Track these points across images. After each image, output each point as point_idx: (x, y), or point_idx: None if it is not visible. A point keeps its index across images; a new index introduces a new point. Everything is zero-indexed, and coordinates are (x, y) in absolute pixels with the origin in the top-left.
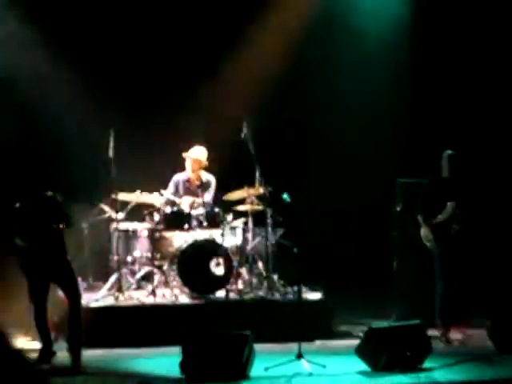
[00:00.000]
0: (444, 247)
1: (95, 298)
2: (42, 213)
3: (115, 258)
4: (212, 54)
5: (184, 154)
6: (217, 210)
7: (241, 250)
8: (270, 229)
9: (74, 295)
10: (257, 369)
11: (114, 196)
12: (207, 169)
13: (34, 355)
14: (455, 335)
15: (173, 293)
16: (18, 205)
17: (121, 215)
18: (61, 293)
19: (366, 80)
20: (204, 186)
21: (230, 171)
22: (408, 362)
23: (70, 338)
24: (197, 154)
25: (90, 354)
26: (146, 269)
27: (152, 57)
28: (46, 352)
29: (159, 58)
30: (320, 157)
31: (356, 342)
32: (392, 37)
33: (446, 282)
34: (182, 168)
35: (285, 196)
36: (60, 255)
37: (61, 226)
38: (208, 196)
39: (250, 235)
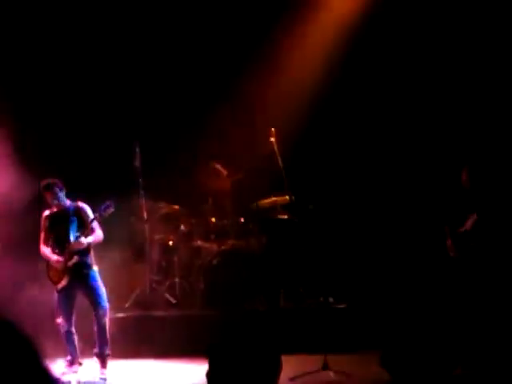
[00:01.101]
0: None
1: (123, 307)
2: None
3: (141, 267)
4: (242, 63)
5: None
6: (242, 220)
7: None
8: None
9: (100, 305)
10: (282, 379)
11: (141, 205)
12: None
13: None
14: None
15: (199, 303)
16: (47, 213)
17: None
18: None
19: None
20: None
21: (256, 180)
22: None
23: (97, 348)
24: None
25: (116, 364)
26: (171, 279)
27: (178, 68)
28: (73, 362)
29: (185, 69)
30: (348, 167)
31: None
32: None
33: None
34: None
35: (310, 206)
36: (88, 265)
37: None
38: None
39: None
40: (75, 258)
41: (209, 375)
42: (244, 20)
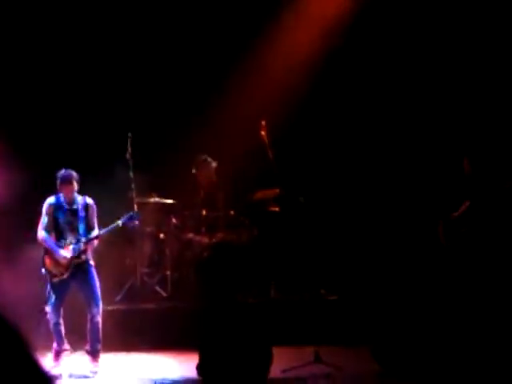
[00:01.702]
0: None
1: (114, 300)
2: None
3: (132, 261)
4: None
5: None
6: (232, 212)
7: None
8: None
9: (95, 304)
10: (274, 371)
11: (132, 198)
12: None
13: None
14: None
15: (189, 296)
16: (53, 201)
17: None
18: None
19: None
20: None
21: (247, 173)
22: None
23: (89, 346)
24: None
25: (107, 357)
26: (162, 272)
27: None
28: (60, 352)
29: (176, 60)
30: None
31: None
32: None
33: None
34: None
35: (301, 199)
36: (88, 261)
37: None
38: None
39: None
40: (83, 258)
41: (200, 368)
42: (234, 12)
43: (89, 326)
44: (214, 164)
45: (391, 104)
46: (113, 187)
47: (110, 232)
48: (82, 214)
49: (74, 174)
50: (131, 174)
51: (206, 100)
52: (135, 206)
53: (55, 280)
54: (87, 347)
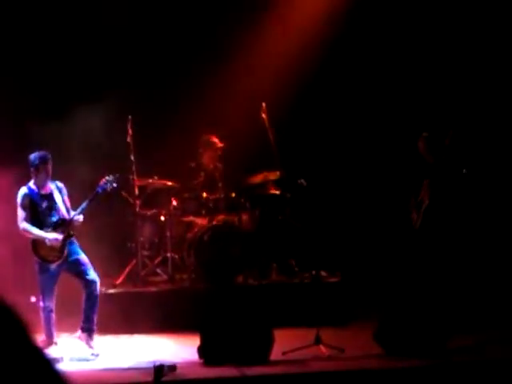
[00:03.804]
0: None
1: (113, 284)
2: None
3: (133, 243)
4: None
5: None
6: (233, 195)
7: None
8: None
9: (92, 277)
10: (274, 353)
11: (132, 181)
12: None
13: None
14: None
15: (190, 278)
16: (26, 191)
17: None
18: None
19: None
20: None
21: (247, 156)
22: None
23: (85, 323)
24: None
25: (107, 340)
26: (163, 254)
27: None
28: (48, 343)
29: (174, 40)
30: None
31: (374, 325)
32: None
33: None
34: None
35: (302, 181)
36: (73, 240)
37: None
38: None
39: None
40: (73, 237)
41: (201, 349)
42: None
43: (85, 301)
44: (220, 145)
45: (391, 86)
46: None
47: (91, 202)
48: (57, 196)
49: (48, 154)
50: (132, 156)
51: (206, 82)
52: (136, 189)
53: (52, 266)
54: (83, 324)
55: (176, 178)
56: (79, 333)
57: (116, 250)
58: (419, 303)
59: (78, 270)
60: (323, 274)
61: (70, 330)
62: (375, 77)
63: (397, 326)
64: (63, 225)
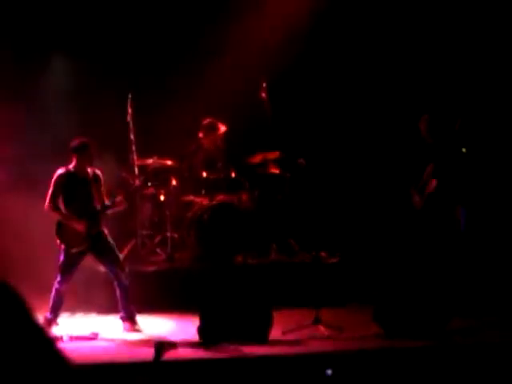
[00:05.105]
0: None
1: None
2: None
3: (133, 223)
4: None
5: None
6: (233, 174)
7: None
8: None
9: (122, 267)
10: (274, 333)
11: (132, 161)
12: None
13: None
14: None
15: (190, 257)
16: (63, 171)
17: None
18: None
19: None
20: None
21: (247, 135)
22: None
23: (124, 313)
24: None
25: (108, 319)
26: (163, 234)
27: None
28: (51, 322)
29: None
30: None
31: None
32: None
33: None
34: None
35: (301, 161)
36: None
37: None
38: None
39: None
40: (100, 227)
41: (200, 329)
42: None
43: (119, 292)
44: (222, 129)
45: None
46: None
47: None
48: (93, 184)
49: (90, 141)
50: (132, 136)
51: (205, 61)
52: (136, 169)
53: (73, 251)
54: (122, 314)
55: (176, 157)
56: (122, 324)
57: (116, 229)
58: (419, 284)
59: (109, 261)
60: (323, 254)
61: (70, 310)
62: (379, 57)
63: (396, 307)
64: (93, 213)
